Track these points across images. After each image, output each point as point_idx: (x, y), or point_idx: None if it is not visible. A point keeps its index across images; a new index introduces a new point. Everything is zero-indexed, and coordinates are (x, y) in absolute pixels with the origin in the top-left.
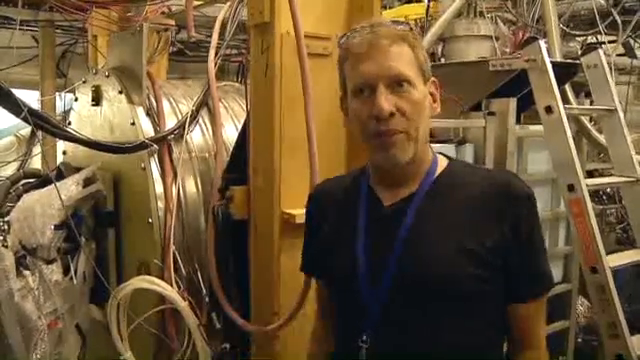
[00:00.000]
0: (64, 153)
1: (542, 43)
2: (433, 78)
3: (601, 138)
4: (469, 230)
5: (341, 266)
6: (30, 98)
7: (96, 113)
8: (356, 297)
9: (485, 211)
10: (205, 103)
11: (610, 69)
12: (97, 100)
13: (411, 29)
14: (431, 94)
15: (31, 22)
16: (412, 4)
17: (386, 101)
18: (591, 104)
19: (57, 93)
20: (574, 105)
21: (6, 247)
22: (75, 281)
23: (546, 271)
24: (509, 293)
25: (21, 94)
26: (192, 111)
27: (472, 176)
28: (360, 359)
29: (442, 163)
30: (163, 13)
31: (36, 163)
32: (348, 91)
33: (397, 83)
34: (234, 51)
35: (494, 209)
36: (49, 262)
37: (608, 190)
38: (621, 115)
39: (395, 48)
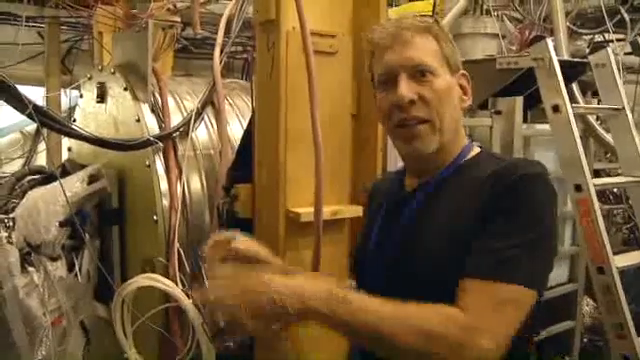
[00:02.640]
0: (69, 150)
1: (550, 42)
2: (464, 71)
3: (608, 137)
4: (461, 216)
5: (360, 250)
6: (35, 94)
7: (101, 110)
8: (363, 281)
9: (477, 193)
10: (210, 100)
11: (618, 68)
12: (102, 97)
13: (436, 21)
14: (461, 86)
15: (37, 18)
16: (418, 1)
17: (407, 88)
18: (598, 103)
19: (62, 90)
20: (581, 104)
21: (11, 244)
22: (79, 278)
23: (500, 256)
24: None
25: (26, 90)
26: (197, 108)
27: (488, 165)
28: None
29: (472, 154)
30: (168, 10)
31: (41, 159)
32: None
33: (420, 72)
34: (239, 48)
35: (483, 189)
36: (54, 259)
37: (615, 190)
38: (629, 114)
39: (418, 39)
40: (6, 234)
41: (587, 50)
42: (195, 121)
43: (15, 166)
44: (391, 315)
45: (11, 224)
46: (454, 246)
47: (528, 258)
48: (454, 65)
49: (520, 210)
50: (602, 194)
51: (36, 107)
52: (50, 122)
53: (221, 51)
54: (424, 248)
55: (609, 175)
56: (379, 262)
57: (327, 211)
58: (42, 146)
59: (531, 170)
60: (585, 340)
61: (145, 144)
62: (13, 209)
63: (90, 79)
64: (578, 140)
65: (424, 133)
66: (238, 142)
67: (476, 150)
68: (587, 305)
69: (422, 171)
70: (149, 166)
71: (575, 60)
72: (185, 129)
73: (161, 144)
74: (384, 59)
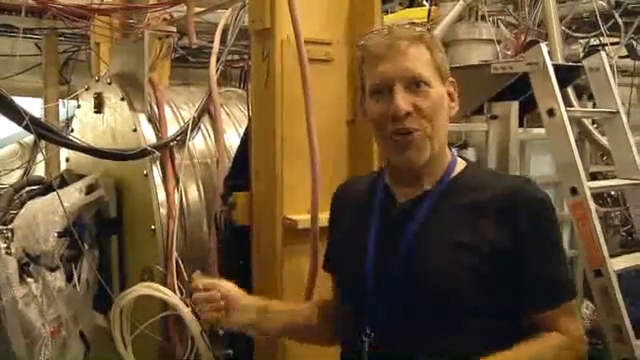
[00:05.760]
0: (67, 160)
1: (544, 46)
2: (451, 78)
3: (604, 141)
4: (475, 231)
5: (352, 265)
6: (33, 105)
7: (98, 120)
8: (362, 297)
9: (494, 213)
10: (207, 109)
11: (612, 71)
12: (99, 107)
13: (428, 30)
14: (449, 94)
15: (34, 30)
16: (413, 8)
17: (403, 100)
18: (594, 106)
19: (60, 100)
20: (576, 108)
21: (9, 254)
22: (78, 288)
23: (561, 279)
24: (523, 302)
25: (24, 102)
26: (194, 117)
27: (487, 179)
28: (363, 353)
29: (460, 166)
30: (165, 20)
31: (39, 170)
32: (366, 92)
33: (415, 84)
34: (236, 57)
35: (503, 211)
36: (52, 269)
37: (612, 193)
38: (624, 117)
39: (412, 49)
40: (5, 245)
41: (581, 54)
42: (192, 130)
43: (14, 177)
44: None
45: (10, 235)
46: (471, 260)
47: (568, 271)
48: (445, 74)
49: (553, 234)
50: (599, 197)
51: (33, 119)
52: (47, 133)
53: (217, 60)
54: (436, 263)
55: (606, 178)
56: (385, 278)
57: (324, 218)
58: (41, 157)
59: (540, 194)
60: None
61: (142, 154)
62: (12, 220)
63: (87, 90)
64: (573, 144)
65: (418, 142)
66: (235, 151)
67: (461, 162)
68: (587, 308)
69: (412, 181)
70: (147, 175)
71: (569, 64)
72: (182, 138)
73: (158, 153)
74: (378, 68)
